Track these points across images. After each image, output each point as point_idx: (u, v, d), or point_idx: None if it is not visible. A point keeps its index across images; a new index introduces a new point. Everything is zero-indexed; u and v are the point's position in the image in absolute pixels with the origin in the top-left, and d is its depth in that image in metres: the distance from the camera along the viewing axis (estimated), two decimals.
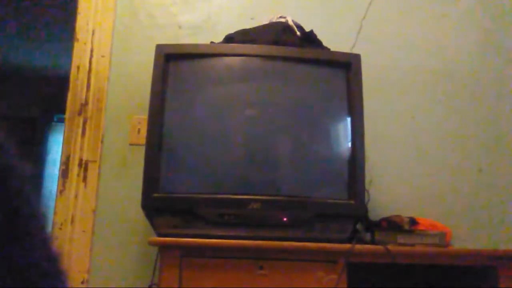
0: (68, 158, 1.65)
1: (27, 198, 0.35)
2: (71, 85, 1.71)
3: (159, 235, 1.25)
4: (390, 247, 1.23)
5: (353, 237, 1.27)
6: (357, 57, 1.40)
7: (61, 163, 1.66)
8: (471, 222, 1.74)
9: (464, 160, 1.79)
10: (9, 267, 0.32)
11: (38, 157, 4.15)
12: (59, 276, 0.37)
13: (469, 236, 1.70)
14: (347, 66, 1.39)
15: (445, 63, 1.86)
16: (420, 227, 1.35)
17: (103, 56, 1.74)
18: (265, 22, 1.57)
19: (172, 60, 1.36)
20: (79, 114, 1.69)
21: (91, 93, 1.71)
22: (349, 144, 1.34)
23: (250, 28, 1.54)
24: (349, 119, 1.35)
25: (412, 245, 1.28)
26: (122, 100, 1.73)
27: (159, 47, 1.37)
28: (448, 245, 1.39)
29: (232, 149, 1.36)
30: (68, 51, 1.83)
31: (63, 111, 1.72)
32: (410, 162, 1.77)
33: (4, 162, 0.34)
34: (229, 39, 1.51)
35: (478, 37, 1.90)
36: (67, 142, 1.67)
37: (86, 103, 1.70)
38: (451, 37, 1.89)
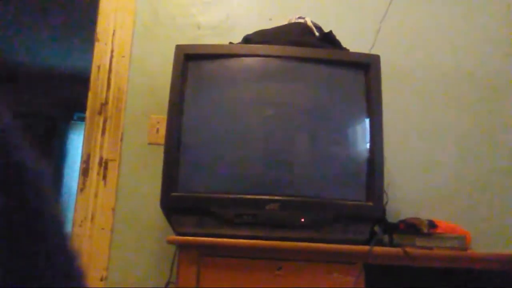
0: (88, 156, 1.68)
1: (46, 198, 0.35)
2: (91, 84, 1.74)
3: (178, 234, 1.26)
4: (408, 249, 1.22)
5: (371, 239, 1.26)
6: (376, 58, 1.39)
7: (82, 162, 1.68)
8: (491, 225, 1.71)
9: (483, 163, 1.76)
10: (27, 267, 0.32)
11: (58, 155, 4.22)
12: (77, 276, 0.37)
13: (488, 240, 1.68)
14: (366, 67, 1.38)
15: (466, 65, 1.84)
16: (439, 230, 1.34)
17: (123, 56, 1.76)
18: (284, 22, 1.57)
19: (191, 60, 1.37)
20: (99, 113, 1.71)
21: (111, 92, 1.73)
22: (368, 145, 1.33)
23: (268, 29, 1.54)
24: (367, 120, 1.35)
25: (431, 248, 1.27)
26: (141, 99, 1.75)
27: (178, 47, 1.38)
28: (468, 248, 1.37)
29: (250, 149, 1.36)
30: (89, 51, 1.85)
31: (83, 110, 1.75)
32: (430, 164, 1.75)
33: (22, 161, 0.34)
34: (247, 39, 1.51)
35: (500, 39, 1.87)
36: (87, 141, 1.69)
37: (106, 103, 1.72)
38: (471, 39, 1.86)
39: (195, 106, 1.36)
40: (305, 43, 1.44)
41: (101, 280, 1.59)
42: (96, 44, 1.77)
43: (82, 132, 1.74)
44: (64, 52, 3.90)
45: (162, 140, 1.49)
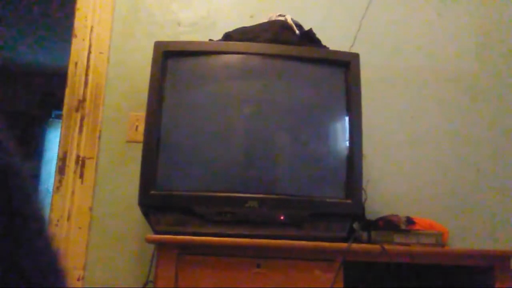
0: (65, 154, 1.65)
1: (28, 198, 0.35)
2: (69, 81, 1.71)
3: (156, 232, 1.25)
4: (386, 246, 1.23)
5: (350, 236, 1.27)
6: (356, 56, 1.40)
7: (58, 160, 1.65)
8: (468, 222, 1.74)
9: (462, 160, 1.79)
10: (9, 267, 0.32)
11: (35, 154, 4.15)
12: (59, 276, 0.37)
13: (466, 236, 1.70)
14: (346, 65, 1.38)
15: (444, 63, 1.86)
16: (417, 227, 1.35)
17: (101, 53, 1.74)
18: (264, 20, 1.56)
19: (170, 57, 1.36)
20: (77, 110, 1.68)
21: (88, 89, 1.70)
22: (347, 143, 1.34)
23: (249, 26, 1.53)
24: (347, 118, 1.35)
25: (409, 244, 1.28)
26: (120, 97, 1.73)
27: (157, 44, 1.37)
28: (445, 245, 1.39)
29: (230, 147, 1.36)
30: (66, 47, 1.82)
31: (60, 108, 1.72)
32: (408, 162, 1.77)
33: (4, 161, 0.34)
34: (228, 37, 1.50)
35: (477, 37, 1.90)
36: (64, 139, 1.66)
37: (83, 100, 1.69)
38: (450, 37, 1.89)
39: (175, 104, 1.35)
40: (285, 41, 1.44)
41: (78, 280, 1.56)
42: (74, 40, 1.74)
43: (59, 130, 1.71)
44: (41, 48, 3.83)
45: (141, 137, 1.47)
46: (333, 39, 1.61)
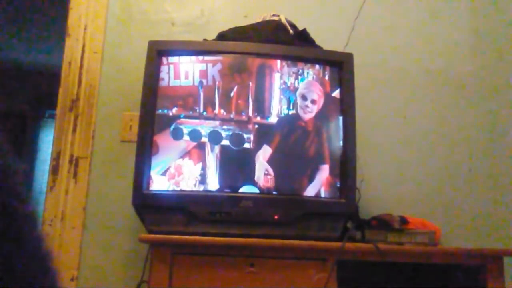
0: (58, 154, 1.64)
1: (21, 197, 0.35)
2: (62, 81, 1.70)
3: (150, 232, 1.25)
4: (380, 245, 1.23)
5: (344, 236, 1.27)
6: (349, 56, 1.41)
7: (52, 159, 1.64)
8: (460, 221, 1.75)
9: (454, 160, 1.80)
10: (1, 266, 0.31)
11: (28, 153, 4.13)
12: (50, 276, 0.37)
13: (459, 235, 1.72)
14: (339, 65, 1.39)
15: (436, 63, 1.87)
16: (410, 226, 1.36)
17: (95, 52, 1.73)
18: (258, 20, 1.57)
19: (164, 56, 1.36)
20: (70, 110, 1.68)
21: (82, 89, 1.70)
22: (341, 143, 1.34)
23: (243, 26, 1.53)
24: (341, 118, 1.36)
25: (402, 243, 1.29)
26: (114, 96, 1.72)
27: (151, 43, 1.37)
28: (438, 244, 1.40)
29: (224, 145, 1.36)
30: (60, 46, 1.81)
31: (54, 107, 1.71)
32: (401, 162, 1.78)
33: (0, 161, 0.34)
34: (222, 36, 1.50)
35: (470, 37, 1.91)
36: (58, 138, 1.66)
37: (77, 99, 1.69)
38: (443, 37, 1.90)
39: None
40: (279, 40, 1.44)
41: (72, 280, 1.56)
42: (67, 39, 1.73)
43: (53, 129, 1.70)
44: (35, 47, 3.81)
45: (135, 137, 1.47)
46: (327, 39, 1.61)
